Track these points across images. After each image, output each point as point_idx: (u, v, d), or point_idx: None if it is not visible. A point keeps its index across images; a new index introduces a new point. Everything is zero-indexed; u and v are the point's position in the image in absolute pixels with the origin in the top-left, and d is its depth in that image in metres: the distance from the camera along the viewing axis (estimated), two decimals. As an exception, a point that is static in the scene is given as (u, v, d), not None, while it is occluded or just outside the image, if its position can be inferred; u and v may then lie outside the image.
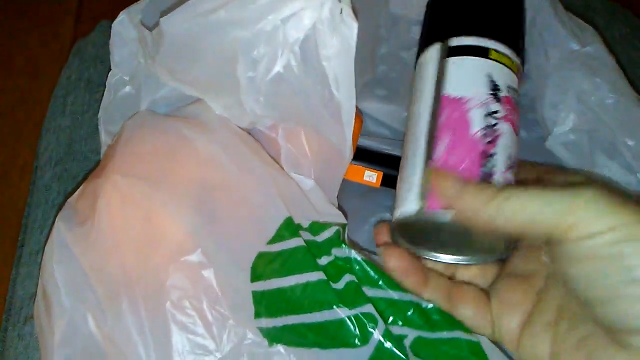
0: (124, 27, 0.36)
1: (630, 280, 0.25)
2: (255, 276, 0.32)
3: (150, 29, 0.34)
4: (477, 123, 0.32)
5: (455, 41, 0.35)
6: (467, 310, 0.33)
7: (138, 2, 0.37)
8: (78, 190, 0.35)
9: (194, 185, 0.32)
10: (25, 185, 0.52)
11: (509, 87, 0.33)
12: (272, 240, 0.32)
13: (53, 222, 0.34)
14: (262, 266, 0.32)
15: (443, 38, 0.35)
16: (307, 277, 0.31)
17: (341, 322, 0.30)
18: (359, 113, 0.37)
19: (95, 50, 0.54)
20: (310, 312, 0.31)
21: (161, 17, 0.32)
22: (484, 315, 0.33)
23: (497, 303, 0.32)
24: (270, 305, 0.31)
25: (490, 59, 0.34)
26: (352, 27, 0.31)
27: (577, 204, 0.26)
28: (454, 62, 0.34)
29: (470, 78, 0.34)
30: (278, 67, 0.31)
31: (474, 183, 0.30)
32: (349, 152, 0.34)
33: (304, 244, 0.32)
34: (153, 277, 0.30)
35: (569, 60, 0.36)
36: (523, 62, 0.36)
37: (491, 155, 0.32)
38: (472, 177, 0.31)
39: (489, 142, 0.32)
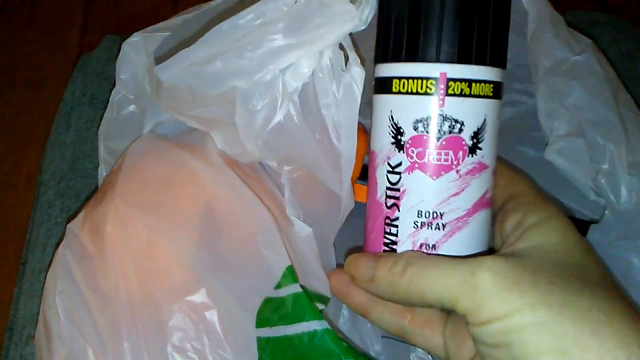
0: (135, 49, 0.36)
1: None
2: (261, 322, 0.31)
3: (161, 60, 0.33)
4: (381, 184, 0.30)
5: (377, 71, 0.30)
6: (420, 332, 0.32)
7: (154, 29, 0.36)
8: (79, 216, 0.34)
9: (199, 220, 0.32)
10: (30, 196, 0.52)
11: (419, 121, 0.28)
12: (279, 285, 0.31)
13: (56, 244, 0.34)
14: (269, 312, 0.31)
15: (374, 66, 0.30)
16: (315, 325, 0.30)
17: None
18: (365, 131, 0.36)
19: (99, 66, 0.54)
20: None
21: (167, 55, 0.31)
22: (437, 337, 0.31)
23: (452, 328, 0.31)
24: (275, 352, 0.30)
25: (393, 92, 0.28)
26: (357, 76, 0.30)
27: (471, 286, 0.25)
28: (374, 102, 0.30)
29: (376, 125, 0.30)
30: (278, 117, 0.31)
31: (383, 262, 0.28)
32: (347, 200, 0.33)
33: (304, 291, 0.31)
34: (155, 316, 0.30)
35: (556, 68, 0.35)
36: (469, 56, 0.28)
37: (393, 221, 0.29)
38: (377, 248, 0.30)
39: (391, 206, 0.29)
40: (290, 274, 0.31)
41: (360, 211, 0.42)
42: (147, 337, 0.30)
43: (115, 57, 0.37)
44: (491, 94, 0.28)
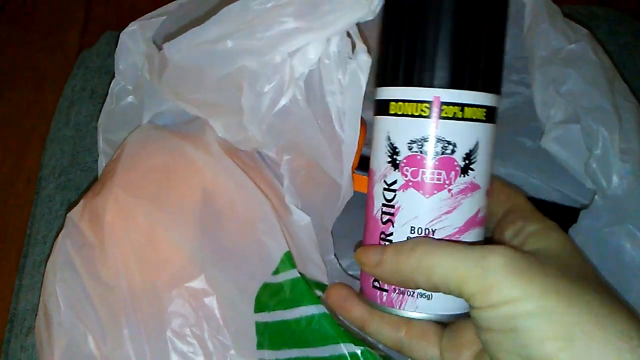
0: (133, 38, 0.36)
1: (525, 357, 0.24)
2: (259, 307, 0.31)
3: (159, 47, 0.33)
4: (377, 201, 0.31)
5: (377, 94, 0.31)
6: (416, 344, 0.32)
7: (151, 16, 0.36)
8: (78, 205, 0.35)
9: (198, 209, 0.32)
10: (30, 196, 0.52)
11: (413, 141, 0.29)
12: (277, 271, 0.31)
13: (56, 235, 0.34)
14: (267, 297, 0.31)
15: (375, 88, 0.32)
16: (312, 309, 0.30)
17: (346, 358, 0.30)
18: (363, 122, 0.36)
19: (99, 60, 0.55)
20: (315, 347, 0.30)
21: (166, 40, 0.32)
22: (433, 349, 0.32)
23: (448, 340, 0.31)
24: (274, 337, 0.31)
25: (390, 114, 0.30)
26: (363, 63, 0.30)
27: (481, 268, 0.25)
28: (374, 122, 0.31)
29: (375, 144, 0.31)
30: (285, 101, 0.31)
31: (393, 247, 0.29)
32: (346, 189, 0.34)
33: (302, 277, 0.31)
34: (155, 302, 0.30)
35: (552, 57, 0.36)
36: (462, 82, 0.29)
37: (388, 236, 0.30)
38: None
39: (386, 222, 0.30)
40: (288, 260, 0.31)
41: (358, 202, 0.42)
42: (147, 323, 0.30)
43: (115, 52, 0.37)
44: (484, 118, 0.29)
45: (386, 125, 0.30)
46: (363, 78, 0.31)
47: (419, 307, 0.30)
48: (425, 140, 0.29)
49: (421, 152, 0.29)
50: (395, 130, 0.30)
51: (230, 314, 0.30)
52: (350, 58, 0.31)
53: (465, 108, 0.29)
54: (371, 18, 0.30)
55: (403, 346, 0.32)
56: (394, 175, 0.30)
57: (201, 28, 0.30)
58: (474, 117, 0.29)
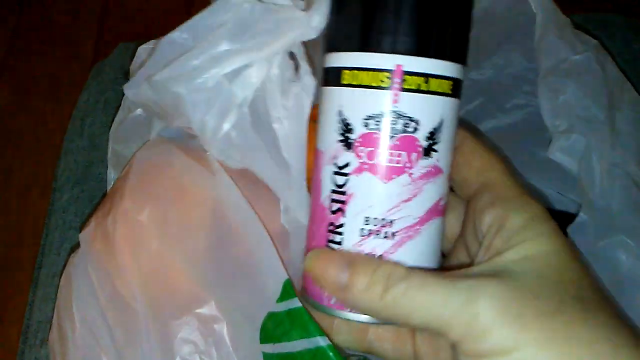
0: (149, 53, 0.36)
1: None
2: (265, 337, 0.30)
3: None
4: (325, 186, 0.27)
5: (326, 61, 0.27)
6: (386, 346, 0.29)
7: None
8: (91, 225, 0.34)
9: (207, 233, 0.31)
10: (45, 206, 0.53)
11: (370, 117, 0.25)
12: (280, 299, 0.30)
13: (69, 247, 0.34)
14: (272, 327, 0.30)
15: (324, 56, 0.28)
16: (316, 341, 0.28)
17: None
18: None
19: (113, 72, 0.55)
20: None
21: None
22: (405, 348, 0.29)
23: (422, 340, 0.29)
24: None
25: (342, 84, 0.26)
26: (307, 87, 0.28)
27: (470, 314, 0.22)
28: (321, 94, 0.27)
29: (323, 120, 0.27)
30: (227, 126, 0.29)
31: (361, 271, 0.25)
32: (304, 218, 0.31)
33: (303, 306, 0.29)
34: (167, 328, 0.30)
35: (554, 68, 0.35)
36: (435, 49, 0.25)
37: (338, 228, 0.26)
38: None
39: (336, 211, 0.26)
40: (289, 288, 0.30)
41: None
42: (158, 349, 0.29)
43: (129, 63, 0.38)
44: (449, 92, 0.26)
45: (337, 98, 0.26)
46: (307, 102, 0.28)
47: None
48: (384, 115, 0.25)
49: (379, 129, 0.25)
50: (348, 103, 0.26)
51: (240, 341, 0.30)
52: (294, 81, 0.29)
53: (431, 79, 0.25)
54: (314, 36, 0.27)
55: (373, 348, 0.30)
56: (346, 156, 0.26)
57: (150, 61, 0.30)
58: (440, 91, 0.25)
